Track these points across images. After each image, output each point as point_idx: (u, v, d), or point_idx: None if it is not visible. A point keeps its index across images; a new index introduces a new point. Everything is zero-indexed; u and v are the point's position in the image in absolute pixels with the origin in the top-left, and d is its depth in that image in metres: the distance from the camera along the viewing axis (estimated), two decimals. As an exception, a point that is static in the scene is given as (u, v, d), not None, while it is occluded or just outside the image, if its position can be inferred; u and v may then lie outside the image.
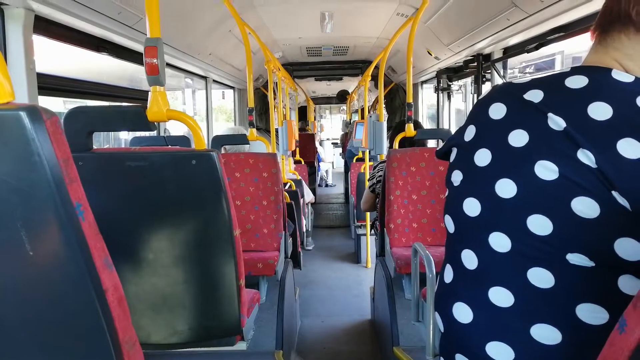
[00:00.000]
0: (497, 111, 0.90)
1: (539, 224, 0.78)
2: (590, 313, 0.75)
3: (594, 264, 0.74)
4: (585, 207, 0.73)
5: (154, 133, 3.43)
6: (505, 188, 0.84)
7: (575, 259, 0.75)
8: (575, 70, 0.83)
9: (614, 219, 0.71)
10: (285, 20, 4.15)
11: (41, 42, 2.01)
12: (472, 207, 0.90)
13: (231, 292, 1.50)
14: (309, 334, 3.27)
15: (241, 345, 1.68)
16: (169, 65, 3.56)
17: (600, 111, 0.75)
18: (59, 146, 0.74)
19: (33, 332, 0.85)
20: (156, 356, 2.11)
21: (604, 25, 0.84)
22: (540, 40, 2.71)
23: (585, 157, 0.73)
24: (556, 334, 0.77)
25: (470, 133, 0.95)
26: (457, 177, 0.96)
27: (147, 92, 1.47)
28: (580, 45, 2.74)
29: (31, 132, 0.71)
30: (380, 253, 2.98)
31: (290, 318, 2.88)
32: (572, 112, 0.77)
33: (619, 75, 0.79)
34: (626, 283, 0.73)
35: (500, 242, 0.84)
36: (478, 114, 0.96)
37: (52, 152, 0.73)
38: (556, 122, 0.78)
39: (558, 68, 3.21)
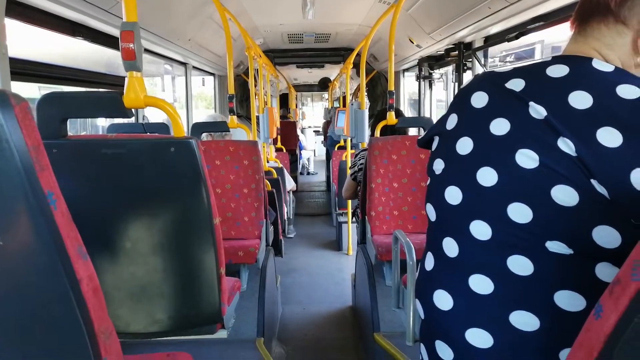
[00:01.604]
0: (479, 100, 0.90)
1: (519, 212, 0.78)
2: (568, 300, 0.76)
3: (572, 252, 0.75)
4: (564, 195, 0.73)
5: (132, 120, 3.36)
6: (487, 176, 0.84)
7: (555, 246, 0.76)
8: (556, 60, 0.83)
9: (592, 207, 0.72)
10: (266, 6, 4.09)
11: (14, 26, 1.95)
12: (453, 195, 0.90)
13: (211, 280, 1.48)
14: (290, 322, 3.28)
15: (222, 334, 1.67)
16: (147, 51, 3.49)
17: (580, 100, 0.75)
18: (29, 133, 0.71)
19: (5, 324, 0.83)
20: (136, 345, 2.09)
21: (583, 15, 0.84)
22: (521, 30, 2.72)
23: (566, 145, 0.74)
24: (534, 320, 0.78)
25: (452, 121, 0.95)
26: (439, 165, 0.96)
27: (124, 78, 1.43)
28: (560, 35, 2.76)
29: (-1, 118, 0.68)
30: (362, 240, 3.00)
31: (272, 306, 2.88)
32: (553, 101, 0.78)
33: (599, 64, 0.79)
34: (603, 270, 0.74)
35: (481, 230, 0.84)
36: (460, 102, 0.96)
37: (21, 139, 0.70)
38: (537, 111, 0.78)
39: (538, 57, 3.23)
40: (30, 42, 2.35)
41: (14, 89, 1.81)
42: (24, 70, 2.16)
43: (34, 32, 2.17)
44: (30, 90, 3.33)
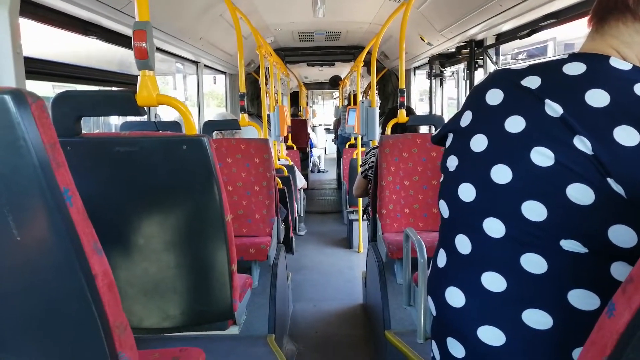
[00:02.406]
0: (494, 97, 0.90)
1: (534, 210, 0.78)
2: (582, 299, 0.76)
3: (587, 251, 0.75)
4: (580, 193, 0.73)
5: (144, 118, 3.39)
6: (501, 174, 0.83)
7: (569, 245, 0.75)
8: (573, 57, 0.82)
9: (608, 205, 0.71)
10: (277, 4, 4.10)
11: (29, 26, 1.97)
12: (467, 192, 0.90)
13: (223, 277, 1.49)
14: (301, 319, 3.29)
15: (233, 330, 1.68)
16: (159, 50, 3.51)
17: (597, 98, 0.74)
18: (45, 130, 0.73)
19: (22, 318, 0.84)
20: (149, 340, 2.11)
21: (600, 13, 0.83)
22: (533, 27, 2.70)
23: (582, 143, 0.73)
24: (547, 318, 0.78)
25: (466, 119, 0.95)
26: (452, 162, 0.96)
27: (137, 76, 1.45)
28: (573, 32, 2.74)
29: (16, 116, 0.69)
30: (372, 238, 2.99)
31: (283, 303, 2.90)
32: (570, 99, 0.77)
33: (616, 62, 0.78)
34: (619, 270, 0.74)
35: (494, 227, 0.84)
36: (475, 99, 0.95)
37: (38, 137, 0.71)
38: (553, 109, 0.78)
39: (550, 54, 3.20)
40: (44, 41, 2.38)
41: (28, 87, 1.83)
42: (39, 69, 2.19)
43: (48, 31, 2.20)
44: (45, 89, 3.37)
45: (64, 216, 0.75)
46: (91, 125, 4.71)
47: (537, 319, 0.79)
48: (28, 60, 1.86)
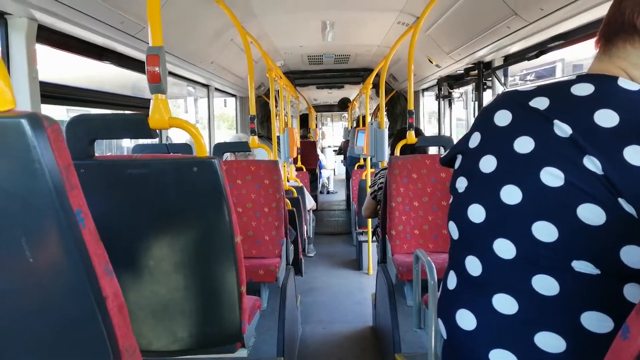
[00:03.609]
0: (503, 118, 0.90)
1: (545, 231, 0.77)
2: (595, 321, 0.75)
3: (599, 272, 0.74)
4: (591, 214, 0.72)
5: (156, 141, 3.43)
6: (511, 194, 0.83)
7: (581, 266, 0.75)
8: (581, 78, 0.83)
9: (620, 226, 0.71)
10: (287, 29, 4.17)
11: (44, 51, 2.02)
12: (476, 213, 0.90)
13: (232, 298, 1.49)
14: (310, 341, 3.25)
15: (242, 353, 1.67)
16: (171, 73, 3.58)
17: (606, 118, 0.74)
18: (60, 153, 0.74)
19: (33, 339, 0.84)
20: (157, 364, 2.10)
21: (608, 34, 0.84)
22: (541, 48, 2.72)
23: (592, 163, 0.73)
24: (560, 341, 0.77)
25: (475, 140, 0.95)
26: (461, 183, 0.96)
27: (149, 100, 1.47)
28: (581, 53, 2.75)
29: (32, 140, 0.71)
30: (382, 260, 2.98)
31: (292, 325, 2.87)
32: (579, 119, 0.77)
33: (625, 83, 0.78)
34: (632, 291, 0.73)
35: (505, 248, 0.84)
36: (483, 120, 0.96)
37: (53, 160, 0.73)
38: (562, 129, 0.78)
39: (559, 75, 3.21)
40: (59, 66, 2.44)
41: (43, 111, 1.87)
42: (54, 93, 2.24)
43: (62, 56, 2.25)
44: (59, 113, 3.44)
45: (77, 238, 0.76)
46: (104, 148, 4.77)
47: (549, 342, 0.78)
48: (43, 85, 1.91)
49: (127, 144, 4.70)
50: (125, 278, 1.44)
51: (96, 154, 1.45)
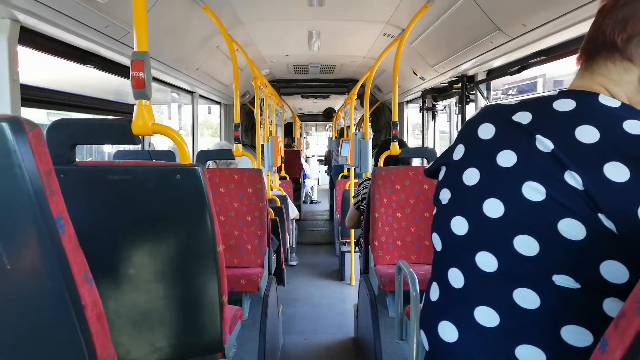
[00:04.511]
0: (486, 131, 0.91)
1: (526, 245, 0.78)
2: (575, 335, 0.75)
3: (579, 286, 0.75)
4: (571, 228, 0.73)
5: (138, 147, 3.40)
6: (493, 208, 0.84)
7: (561, 280, 0.75)
8: (563, 94, 0.84)
9: (600, 241, 0.72)
10: (273, 37, 4.18)
11: (26, 53, 1.99)
12: (459, 225, 0.91)
13: (213, 308, 1.47)
14: (291, 352, 3.22)
15: (223, 363, 1.64)
16: (155, 79, 3.55)
17: (587, 134, 0.76)
18: (41, 158, 0.73)
19: (9, 347, 0.82)
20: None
21: (589, 51, 0.85)
22: (523, 64, 2.77)
23: (572, 179, 0.74)
24: (540, 355, 0.77)
25: (459, 152, 0.96)
26: (445, 195, 0.97)
27: (132, 105, 1.46)
28: (562, 69, 2.80)
29: (13, 144, 0.70)
30: (364, 270, 2.97)
31: (273, 335, 2.85)
32: (560, 135, 0.79)
33: (605, 100, 0.80)
34: (611, 305, 0.74)
35: (486, 261, 0.84)
36: (467, 133, 0.97)
37: (33, 164, 0.71)
38: (544, 144, 0.79)
39: (540, 90, 3.27)
40: (41, 69, 2.40)
41: (23, 114, 1.84)
42: (34, 96, 2.20)
43: (45, 59, 2.22)
44: (40, 117, 3.38)
45: (56, 245, 0.74)
46: (84, 154, 4.70)
47: (530, 355, 0.78)
48: (24, 88, 1.87)
49: (108, 150, 4.63)
50: (104, 286, 1.41)
51: (77, 160, 1.43)
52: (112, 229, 1.40)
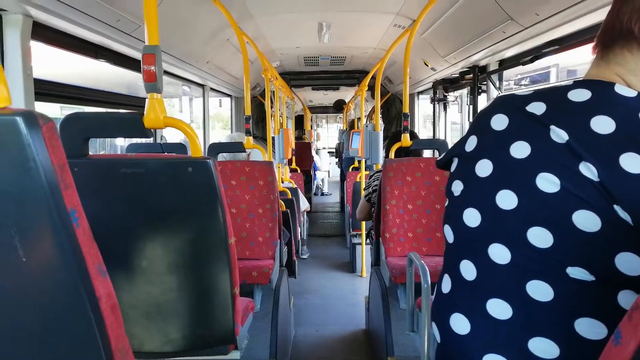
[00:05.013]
0: (500, 122, 0.90)
1: (540, 237, 0.78)
2: (589, 328, 0.75)
3: (594, 278, 0.74)
4: (586, 220, 0.72)
5: (150, 140, 3.42)
6: (506, 199, 0.83)
7: (576, 272, 0.75)
8: (578, 84, 0.83)
9: (615, 233, 0.71)
10: (283, 30, 4.17)
11: (39, 48, 2.01)
12: (472, 217, 0.90)
13: (225, 300, 1.48)
14: (303, 344, 3.24)
15: (235, 355, 1.66)
16: (167, 72, 3.56)
17: (603, 125, 0.74)
18: (55, 152, 0.73)
19: (25, 339, 0.83)
20: (149, 365, 2.08)
21: (605, 40, 0.84)
22: (536, 53, 2.73)
23: (588, 170, 0.73)
24: (554, 347, 0.77)
25: (471, 143, 0.95)
26: (457, 187, 0.96)
27: (144, 99, 1.47)
28: (575, 59, 2.76)
29: (27, 138, 0.70)
30: (376, 262, 2.98)
31: (285, 327, 2.86)
32: (575, 125, 0.77)
33: (622, 89, 0.78)
34: (626, 298, 0.73)
35: (499, 253, 0.84)
36: (480, 124, 0.96)
37: (47, 158, 0.72)
38: (559, 135, 0.78)
39: (553, 80, 3.23)
40: (54, 63, 2.42)
41: (37, 109, 1.86)
42: (48, 90, 2.22)
43: (58, 54, 2.23)
44: (53, 111, 3.41)
45: (70, 238, 0.75)
46: (97, 147, 4.75)
47: (543, 347, 0.78)
48: (37, 82, 1.89)
49: (120, 143, 4.67)
50: (118, 278, 1.43)
51: (90, 153, 1.44)
52: (125, 221, 1.42)
